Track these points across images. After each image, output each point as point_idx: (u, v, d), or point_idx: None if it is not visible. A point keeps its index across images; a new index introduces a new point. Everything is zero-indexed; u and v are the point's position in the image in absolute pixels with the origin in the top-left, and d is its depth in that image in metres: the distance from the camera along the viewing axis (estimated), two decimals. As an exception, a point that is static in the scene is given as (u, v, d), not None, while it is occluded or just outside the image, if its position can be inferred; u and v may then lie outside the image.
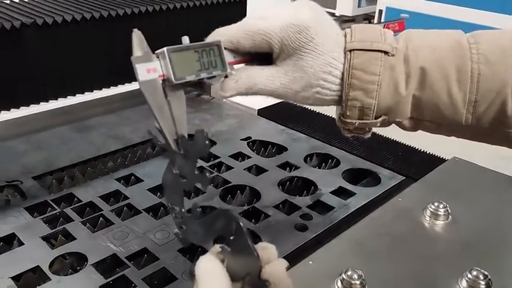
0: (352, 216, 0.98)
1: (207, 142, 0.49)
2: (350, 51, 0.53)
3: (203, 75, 0.52)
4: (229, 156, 1.19)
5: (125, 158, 1.20)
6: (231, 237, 0.46)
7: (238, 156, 1.20)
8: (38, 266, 0.79)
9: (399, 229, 0.95)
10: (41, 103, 1.19)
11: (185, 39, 0.52)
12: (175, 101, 0.51)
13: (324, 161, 1.20)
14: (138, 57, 0.49)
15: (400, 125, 0.57)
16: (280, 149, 1.25)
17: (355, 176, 1.13)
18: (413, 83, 0.53)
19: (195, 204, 0.52)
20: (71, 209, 0.95)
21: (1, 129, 1.25)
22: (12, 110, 1.15)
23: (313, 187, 1.07)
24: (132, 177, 1.09)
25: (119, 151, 1.21)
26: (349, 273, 0.80)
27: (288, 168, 1.15)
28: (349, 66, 0.52)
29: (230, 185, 1.06)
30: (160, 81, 0.51)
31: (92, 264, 0.80)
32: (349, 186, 1.07)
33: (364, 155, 1.21)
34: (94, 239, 0.87)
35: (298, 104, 1.58)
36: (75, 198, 1.00)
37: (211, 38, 0.53)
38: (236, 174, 1.11)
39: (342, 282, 0.79)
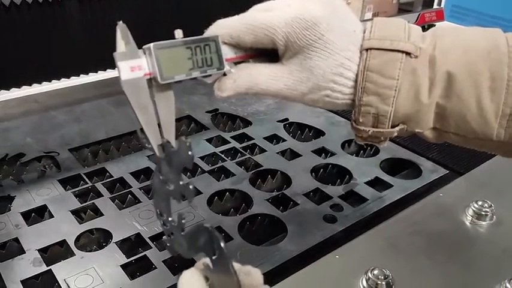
0: (386, 210, 0.93)
1: (189, 153, 0.44)
2: (366, 50, 0.46)
3: (195, 74, 0.47)
4: (263, 138, 1.16)
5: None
6: (213, 257, 0.43)
7: (273, 138, 1.17)
8: (65, 240, 0.80)
9: (436, 228, 0.90)
10: (81, 75, 1.20)
11: (178, 33, 0.47)
12: (162, 102, 0.46)
13: (362, 148, 1.15)
14: (122, 53, 0.44)
15: (421, 135, 0.50)
16: (317, 133, 1.20)
17: (394, 166, 1.07)
18: (437, 90, 0.46)
19: (179, 214, 0.48)
20: (102, 184, 0.96)
21: (43, 99, 1.28)
22: (53, 81, 1.17)
23: (347, 176, 1.02)
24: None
25: (155, 127, 1.21)
26: (375, 272, 0.76)
27: (323, 154, 1.11)
28: (364, 68, 0.46)
29: (261, 168, 1.04)
30: (146, 80, 0.47)
31: (115, 242, 0.80)
32: (387, 177, 1.01)
33: (406, 143, 1.15)
34: (120, 216, 0.87)
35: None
36: (107, 173, 1.01)
37: (210, 31, 0.48)
38: (269, 157, 1.08)
39: (367, 282, 0.76)
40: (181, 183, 0.46)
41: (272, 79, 0.48)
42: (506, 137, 0.46)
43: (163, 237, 0.51)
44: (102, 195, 0.93)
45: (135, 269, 0.76)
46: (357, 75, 0.46)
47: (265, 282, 0.75)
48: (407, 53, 0.45)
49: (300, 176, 1.01)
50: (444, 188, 0.99)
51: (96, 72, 1.22)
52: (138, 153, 1.09)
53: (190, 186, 0.45)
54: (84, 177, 0.98)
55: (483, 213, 0.90)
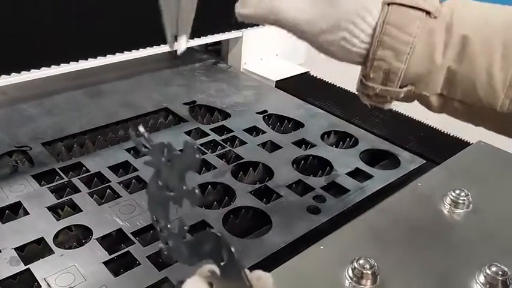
0: (368, 200, 0.94)
1: (197, 156, 0.43)
2: (388, 4, 0.45)
3: None
4: (243, 130, 1.15)
5: (137, 127, 1.16)
6: (222, 263, 0.42)
7: (253, 130, 1.16)
8: (43, 237, 0.77)
9: (416, 217, 0.91)
10: (53, 66, 1.15)
11: None
12: None
13: (342, 139, 1.15)
14: None
15: (425, 101, 0.49)
16: (297, 124, 1.20)
17: (374, 157, 1.08)
18: (451, 52, 0.45)
19: (181, 221, 0.46)
20: (79, 179, 0.93)
21: (12, 91, 1.23)
22: (23, 72, 1.12)
23: (328, 167, 1.03)
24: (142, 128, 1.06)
25: (131, 119, 1.18)
26: (361, 261, 0.76)
27: (303, 145, 1.11)
28: (383, 21, 0.45)
29: (242, 161, 1.03)
30: None
31: (96, 239, 0.78)
32: (367, 168, 1.02)
33: (384, 134, 1.16)
34: (100, 211, 0.85)
35: (319, 77, 1.53)
36: (84, 168, 0.97)
37: None
38: (249, 149, 1.07)
39: (353, 271, 0.76)
40: (185, 188, 0.44)
41: (294, 8, 0.46)
42: (510, 108, 0.45)
43: (160, 245, 0.49)
44: (80, 191, 0.90)
45: (118, 265, 0.74)
46: (375, 28, 0.45)
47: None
48: (428, 12, 0.45)
49: (281, 167, 1.01)
50: (422, 178, 1.01)
51: (68, 63, 1.17)
52: (115, 146, 1.06)
53: (196, 191, 0.43)
54: (60, 172, 0.95)
55: (460, 201, 0.92)
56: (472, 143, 1.16)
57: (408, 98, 0.50)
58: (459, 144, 1.16)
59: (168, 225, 0.47)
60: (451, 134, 1.21)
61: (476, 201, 0.93)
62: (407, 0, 0.45)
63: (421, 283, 0.76)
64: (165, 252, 0.48)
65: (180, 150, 0.46)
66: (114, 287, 0.69)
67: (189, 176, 0.91)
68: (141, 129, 0.47)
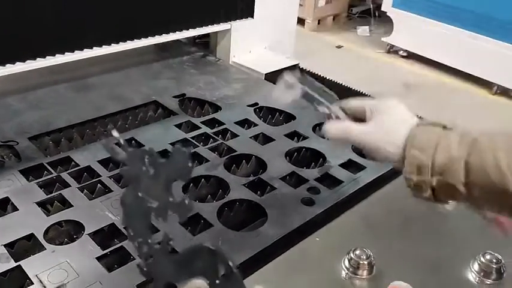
0: (361, 191, 0.93)
1: (189, 164, 0.38)
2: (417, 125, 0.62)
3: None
4: (234, 122, 1.14)
5: (126, 121, 1.15)
6: (217, 281, 0.38)
7: (244, 123, 1.15)
8: (33, 233, 0.75)
9: (410, 207, 0.91)
10: (38, 59, 1.12)
11: None
12: None
13: (334, 131, 1.15)
14: None
15: (453, 192, 0.59)
16: (288, 117, 1.19)
17: (366, 148, 1.08)
18: (463, 148, 0.57)
19: (165, 236, 0.42)
20: (68, 173, 0.91)
21: (-4, 85, 1.20)
22: (7, 65, 1.09)
23: (321, 159, 1.02)
24: (133, 141, 1.04)
25: (120, 113, 1.16)
26: (357, 252, 0.76)
27: (295, 138, 1.10)
28: (410, 144, 0.60)
29: (235, 153, 1.01)
30: None
31: (88, 234, 0.76)
32: (359, 160, 1.02)
33: (375, 126, 1.16)
34: (91, 206, 0.83)
35: (308, 69, 1.53)
36: (73, 162, 0.95)
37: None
38: (242, 142, 1.06)
39: (349, 262, 0.76)
40: (171, 199, 0.39)
41: (359, 131, 0.65)
42: None
43: (138, 260, 0.44)
44: (70, 185, 0.88)
45: (112, 261, 0.73)
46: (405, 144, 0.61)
47: (248, 268, 0.74)
48: (444, 127, 0.60)
49: (274, 160, 1.00)
50: (415, 169, 1.01)
51: (54, 55, 1.14)
52: (104, 140, 1.04)
53: (186, 202, 0.39)
54: (48, 166, 0.93)
55: (453, 191, 0.93)
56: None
57: (442, 189, 0.60)
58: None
59: (149, 240, 0.42)
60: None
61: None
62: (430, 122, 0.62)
63: (416, 272, 0.76)
64: (145, 269, 0.44)
65: (167, 156, 0.41)
66: (108, 282, 0.68)
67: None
68: (115, 133, 0.43)
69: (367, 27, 4.26)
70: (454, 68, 3.34)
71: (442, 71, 3.44)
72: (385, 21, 3.96)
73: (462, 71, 3.30)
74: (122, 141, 0.41)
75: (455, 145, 0.57)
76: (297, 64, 1.53)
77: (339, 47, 3.94)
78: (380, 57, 3.76)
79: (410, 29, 3.58)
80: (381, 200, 0.92)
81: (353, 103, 0.68)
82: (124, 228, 0.43)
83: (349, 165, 1.00)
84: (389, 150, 0.62)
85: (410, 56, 3.63)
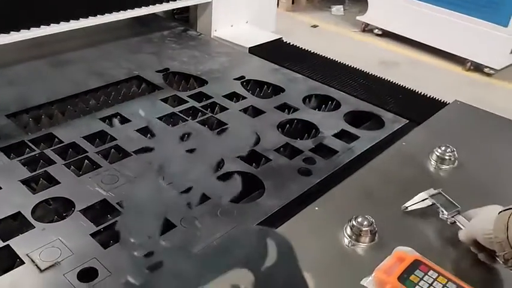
0: (357, 160, 0.92)
1: None
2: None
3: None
4: (222, 96, 1.10)
5: (108, 96, 1.10)
6: (262, 268, 0.33)
7: (233, 96, 1.12)
8: (20, 212, 0.71)
9: (405, 175, 0.90)
10: (12, 33, 1.06)
11: None
12: None
13: (324, 102, 1.13)
14: None
15: None
16: (277, 89, 1.16)
17: (357, 118, 1.07)
18: None
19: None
20: (52, 150, 0.86)
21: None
22: (-22, 39, 1.02)
23: (314, 130, 1.00)
24: (118, 116, 1.00)
25: (101, 88, 1.11)
26: (359, 219, 0.75)
27: (286, 110, 1.07)
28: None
29: (226, 126, 0.98)
30: None
31: (79, 211, 0.72)
32: (352, 130, 1.00)
33: (364, 97, 1.15)
34: (80, 183, 0.79)
35: (292, 43, 1.50)
36: (56, 139, 0.90)
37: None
38: (232, 115, 1.03)
39: (351, 229, 0.74)
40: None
41: (481, 230, 0.71)
42: None
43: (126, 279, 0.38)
44: (55, 162, 0.83)
45: (106, 237, 0.69)
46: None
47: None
48: None
49: (267, 132, 0.97)
50: (406, 137, 1.00)
51: (29, 29, 1.08)
52: (87, 116, 0.99)
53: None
54: (30, 144, 0.87)
55: (446, 157, 0.93)
56: (449, 103, 1.17)
57: None
58: (436, 105, 1.17)
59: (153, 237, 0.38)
60: (428, 95, 1.22)
61: (461, 157, 0.94)
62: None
63: (419, 238, 0.76)
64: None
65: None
66: (105, 259, 0.64)
67: (174, 145, 0.86)
68: (142, 113, 0.37)
69: (341, 6, 4.24)
70: (428, 46, 3.37)
71: (416, 49, 3.47)
72: (359, 0, 3.95)
73: (436, 48, 3.33)
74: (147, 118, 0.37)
75: None
76: (280, 38, 1.50)
77: (314, 26, 3.91)
78: (355, 36, 3.76)
79: (385, 8, 3.58)
80: (376, 168, 0.91)
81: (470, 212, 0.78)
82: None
83: (343, 135, 0.99)
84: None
85: (385, 34, 3.64)
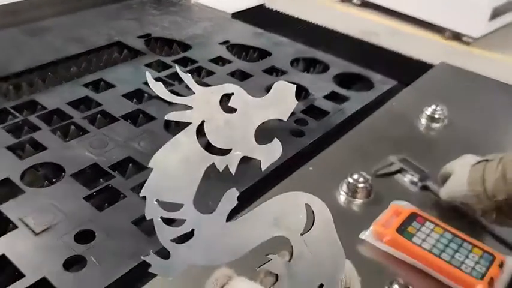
0: (348, 121, 0.92)
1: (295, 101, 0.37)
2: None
3: None
4: (208, 60, 1.08)
5: (90, 63, 1.06)
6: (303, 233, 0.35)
7: (218, 60, 1.09)
8: (8, 178, 0.68)
9: (397, 133, 0.91)
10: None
11: None
12: None
13: (312, 65, 1.12)
14: None
15: None
16: (263, 53, 1.14)
17: (347, 80, 1.06)
18: None
19: (229, 193, 0.37)
20: (36, 116, 0.83)
21: None
22: None
23: (304, 92, 0.99)
24: (102, 82, 0.97)
25: (82, 55, 1.07)
26: (355, 176, 0.75)
27: (274, 73, 1.06)
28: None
29: (214, 90, 0.96)
30: None
31: (71, 175, 0.70)
32: (342, 91, 1.00)
33: (352, 60, 1.14)
34: (68, 148, 0.76)
35: (275, 9, 1.47)
36: (39, 106, 0.87)
37: None
38: (219, 79, 1.01)
39: (347, 186, 0.75)
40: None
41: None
42: None
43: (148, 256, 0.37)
44: (40, 128, 0.80)
45: (101, 200, 0.67)
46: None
47: (245, 199, 0.71)
48: None
49: (256, 95, 0.95)
50: (396, 98, 1.01)
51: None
52: (69, 83, 0.96)
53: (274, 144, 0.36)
54: (12, 111, 0.84)
55: (436, 116, 0.93)
56: (435, 65, 1.17)
57: None
58: (423, 66, 1.17)
59: (186, 205, 0.37)
60: (414, 57, 1.22)
61: (451, 115, 0.94)
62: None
63: (414, 194, 0.76)
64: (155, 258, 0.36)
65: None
66: (101, 221, 0.63)
67: (160, 106, 0.84)
68: (179, 70, 0.37)
69: (319, -24, 4.20)
70: (407, 15, 3.38)
71: (396, 19, 3.47)
72: (337, -30, 3.91)
73: (415, 18, 3.35)
74: (183, 75, 0.35)
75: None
76: (263, 4, 1.47)
77: (291, -4, 3.87)
78: (334, 6, 3.73)
79: (363, -23, 3.57)
80: (368, 128, 0.91)
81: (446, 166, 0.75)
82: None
83: (333, 97, 0.98)
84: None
85: (365, 4, 3.63)
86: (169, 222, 0.36)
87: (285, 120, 0.36)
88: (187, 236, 0.35)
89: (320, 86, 1.01)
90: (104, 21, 1.22)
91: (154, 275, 0.56)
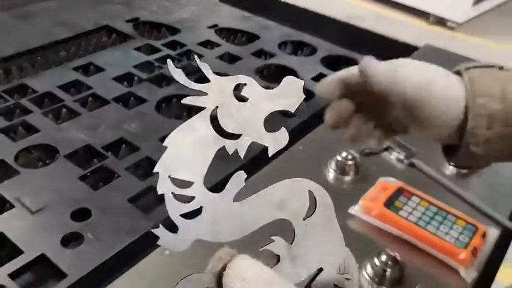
0: (336, 102, 0.94)
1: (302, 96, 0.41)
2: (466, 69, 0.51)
3: None
4: (197, 44, 1.09)
5: (78, 47, 1.06)
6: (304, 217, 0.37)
7: (207, 44, 1.10)
8: (3, 159, 0.69)
9: (384, 113, 0.93)
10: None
11: None
12: None
13: (299, 48, 1.14)
14: None
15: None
16: (251, 36, 1.15)
17: (334, 62, 1.08)
18: None
19: (238, 175, 0.39)
20: (27, 100, 0.83)
21: None
22: None
23: (292, 74, 1.00)
24: (92, 66, 0.97)
25: (71, 39, 1.07)
26: (343, 154, 0.77)
27: (263, 56, 1.07)
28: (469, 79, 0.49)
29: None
30: None
31: (64, 156, 0.71)
32: (330, 73, 1.00)
33: (338, 42, 1.16)
34: (61, 130, 0.77)
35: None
36: (30, 89, 0.87)
37: None
38: (208, 62, 0.99)
39: (336, 164, 0.77)
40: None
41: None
42: None
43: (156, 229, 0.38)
44: (31, 111, 0.81)
45: (95, 180, 0.69)
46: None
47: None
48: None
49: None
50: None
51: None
52: (59, 67, 0.96)
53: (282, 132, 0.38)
54: (3, 94, 0.84)
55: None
56: (420, 47, 1.20)
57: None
58: (408, 48, 1.19)
59: (196, 183, 0.38)
60: (399, 40, 1.24)
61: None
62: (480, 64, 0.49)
63: (400, 172, 0.79)
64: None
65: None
66: (97, 200, 0.64)
67: (150, 89, 0.85)
68: (198, 60, 0.39)
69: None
70: (392, 1, 3.40)
71: (381, 4, 3.49)
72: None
73: (400, 3, 3.37)
74: (201, 64, 0.37)
75: None
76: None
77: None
78: (319, -9, 3.74)
79: (348, -38, 3.57)
80: (355, 108, 0.92)
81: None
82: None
83: (321, 79, 0.99)
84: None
85: (349, -11, 3.64)
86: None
87: (292, 111, 0.39)
88: (195, 212, 0.37)
89: (308, 68, 1.02)
90: (92, 6, 1.22)
91: (151, 251, 0.59)
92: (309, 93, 0.94)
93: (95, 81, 0.91)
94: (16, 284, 0.53)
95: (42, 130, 0.76)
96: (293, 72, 1.01)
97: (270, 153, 0.39)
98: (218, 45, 1.10)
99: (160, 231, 0.37)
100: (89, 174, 0.69)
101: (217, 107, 0.37)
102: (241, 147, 0.37)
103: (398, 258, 0.59)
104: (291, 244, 0.40)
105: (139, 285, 0.56)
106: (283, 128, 0.38)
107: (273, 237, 0.39)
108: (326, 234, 0.40)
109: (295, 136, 0.83)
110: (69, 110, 0.83)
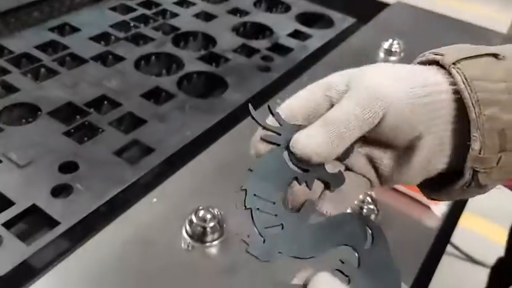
0: (312, 56, 0.96)
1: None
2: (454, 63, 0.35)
3: None
4: (172, 3, 1.08)
5: (52, 8, 1.05)
6: (366, 247, 0.37)
7: (182, 3, 1.10)
8: (-16, 118, 0.69)
9: (357, 65, 0.96)
10: None
11: None
12: None
13: (274, 6, 1.14)
14: None
15: None
16: (226, -5, 1.16)
17: (308, 19, 1.09)
18: None
19: (309, 201, 0.37)
20: (5, 60, 0.83)
21: None
22: None
23: (268, 31, 1.02)
24: (67, 26, 0.96)
25: (44, 0, 1.05)
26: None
27: (238, 14, 1.08)
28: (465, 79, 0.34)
29: (180, 31, 0.98)
30: None
31: (47, 113, 0.72)
32: (304, 29, 1.04)
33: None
34: (41, 89, 0.77)
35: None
36: (6, 50, 0.87)
37: None
38: (184, 20, 1.02)
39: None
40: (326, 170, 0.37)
41: None
42: None
43: (246, 237, 0.39)
44: (10, 72, 0.80)
45: (80, 136, 0.70)
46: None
47: (219, 131, 0.75)
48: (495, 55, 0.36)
49: (222, 34, 0.98)
50: (355, 34, 1.05)
51: None
52: (34, 27, 0.95)
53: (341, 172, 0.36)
54: (-22, 56, 0.83)
55: (393, 50, 0.99)
56: (392, 4, 1.22)
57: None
58: (380, 5, 1.21)
59: (276, 203, 0.39)
60: (371, -3, 1.26)
61: (407, 48, 1.00)
62: (469, 52, 0.35)
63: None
64: (256, 248, 0.35)
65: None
66: (83, 153, 0.66)
67: (128, 48, 0.85)
68: (252, 110, 0.37)
69: None
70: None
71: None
72: None
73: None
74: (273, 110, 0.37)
75: None
76: None
77: None
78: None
79: None
80: (331, 62, 0.95)
81: None
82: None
83: (296, 35, 1.02)
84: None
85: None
86: None
87: None
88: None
89: (283, 25, 1.04)
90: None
91: (138, 200, 0.61)
92: (285, 49, 0.97)
93: (71, 41, 0.91)
94: (11, 232, 0.55)
95: (22, 89, 0.77)
96: (269, 29, 1.02)
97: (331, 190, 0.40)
98: (193, 4, 1.10)
99: (251, 241, 0.39)
100: (73, 130, 0.70)
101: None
102: (309, 180, 0.39)
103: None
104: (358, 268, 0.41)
105: (129, 230, 0.58)
106: (340, 170, 0.39)
107: (343, 259, 0.41)
108: (384, 266, 0.42)
109: (273, 90, 0.86)
110: (48, 70, 0.83)
